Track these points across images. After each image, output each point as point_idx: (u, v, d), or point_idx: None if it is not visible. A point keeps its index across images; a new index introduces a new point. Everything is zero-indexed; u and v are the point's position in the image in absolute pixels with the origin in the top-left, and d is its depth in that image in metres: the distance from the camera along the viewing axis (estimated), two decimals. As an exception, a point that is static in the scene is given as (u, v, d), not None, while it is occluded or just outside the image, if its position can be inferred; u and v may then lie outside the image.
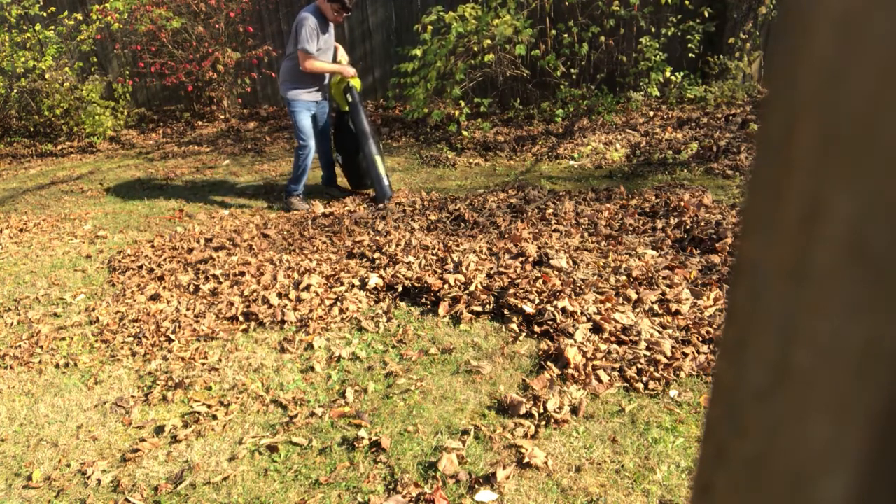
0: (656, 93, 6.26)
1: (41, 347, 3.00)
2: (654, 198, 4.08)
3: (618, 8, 6.00)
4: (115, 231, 4.55)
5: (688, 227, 3.55)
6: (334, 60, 4.69)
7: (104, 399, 2.60)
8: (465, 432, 2.23)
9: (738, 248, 0.27)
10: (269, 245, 3.94)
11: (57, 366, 2.85)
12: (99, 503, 2.07)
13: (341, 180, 5.15)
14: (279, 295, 3.23)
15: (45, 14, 7.32)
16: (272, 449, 2.23)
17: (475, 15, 5.73)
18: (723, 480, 0.29)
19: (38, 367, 2.85)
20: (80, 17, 7.31)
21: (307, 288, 3.26)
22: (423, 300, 3.11)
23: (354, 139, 4.68)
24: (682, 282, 2.96)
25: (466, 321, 2.91)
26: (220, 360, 2.79)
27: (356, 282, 3.29)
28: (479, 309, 2.95)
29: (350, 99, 4.63)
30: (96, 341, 3.02)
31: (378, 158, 4.63)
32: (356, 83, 4.67)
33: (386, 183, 4.63)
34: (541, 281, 3.03)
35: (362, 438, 2.22)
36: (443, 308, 3.00)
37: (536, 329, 2.76)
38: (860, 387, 0.21)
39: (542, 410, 2.28)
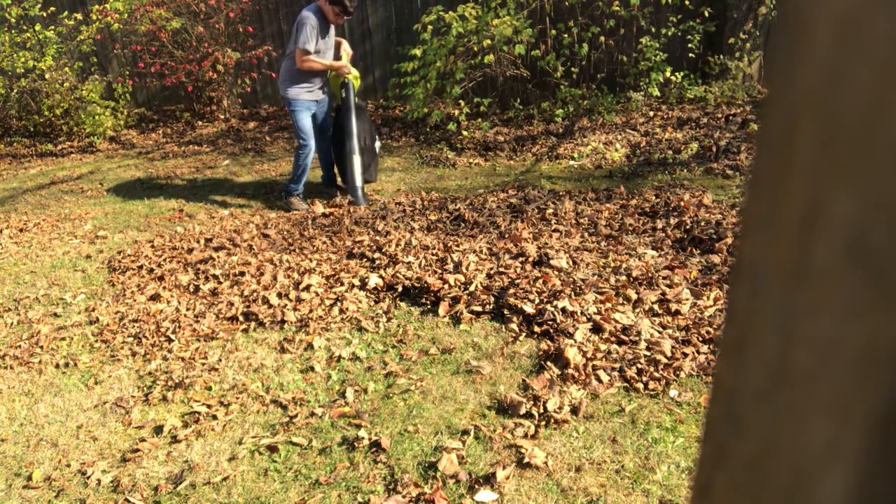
0: (656, 93, 6.26)
1: (41, 347, 3.00)
2: (654, 198, 4.08)
3: (618, 8, 6.00)
4: (115, 231, 4.55)
5: (688, 227, 3.55)
6: (336, 58, 4.70)
7: (104, 399, 2.60)
8: (465, 432, 2.23)
9: (738, 248, 0.27)
10: (269, 245, 3.94)
11: (57, 366, 2.85)
12: (99, 503, 2.07)
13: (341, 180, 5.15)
14: (279, 295, 3.23)
15: (45, 14, 7.32)
16: (272, 449, 2.23)
17: (475, 15, 5.73)
18: (723, 480, 0.29)
19: (38, 367, 2.85)
20: (80, 17, 7.31)
21: (307, 288, 3.26)
22: (423, 300, 3.11)
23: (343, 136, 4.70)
24: (682, 282, 2.96)
25: (466, 321, 2.91)
26: (220, 360, 2.79)
27: (356, 282, 3.29)
28: (479, 309, 2.95)
29: (343, 95, 4.63)
30: (96, 341, 3.02)
31: (356, 160, 4.58)
32: (356, 81, 4.66)
33: (360, 193, 4.62)
34: (541, 281, 3.03)
35: (362, 438, 2.22)
36: (443, 308, 3.00)
37: (536, 329, 2.76)
38: (860, 387, 0.21)
39: (542, 410, 2.28)
